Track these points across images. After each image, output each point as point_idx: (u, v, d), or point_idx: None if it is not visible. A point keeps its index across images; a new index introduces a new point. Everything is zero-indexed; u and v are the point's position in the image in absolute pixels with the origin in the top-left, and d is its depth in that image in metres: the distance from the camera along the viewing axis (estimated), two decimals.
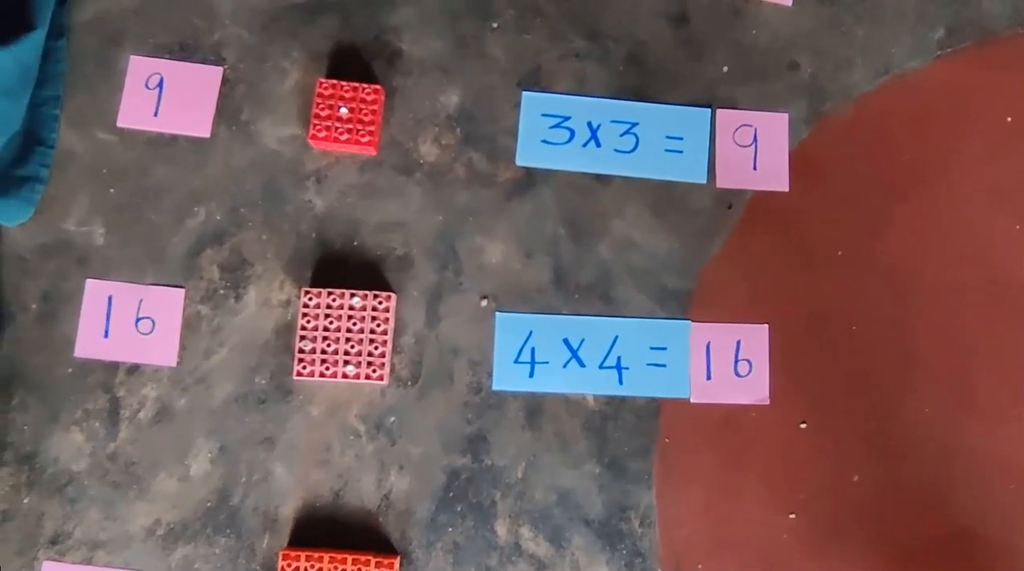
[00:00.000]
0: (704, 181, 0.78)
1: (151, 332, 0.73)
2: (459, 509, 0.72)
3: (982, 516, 0.73)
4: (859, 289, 0.77)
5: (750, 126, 0.78)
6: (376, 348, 0.72)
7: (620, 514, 0.73)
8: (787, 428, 0.74)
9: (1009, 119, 0.80)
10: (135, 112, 0.77)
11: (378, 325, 0.72)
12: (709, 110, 0.79)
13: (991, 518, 0.73)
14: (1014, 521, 0.73)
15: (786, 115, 0.79)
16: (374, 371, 0.71)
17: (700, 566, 0.72)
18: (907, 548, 0.73)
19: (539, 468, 0.73)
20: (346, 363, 0.71)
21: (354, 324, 0.72)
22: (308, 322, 0.72)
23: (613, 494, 0.73)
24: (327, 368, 0.71)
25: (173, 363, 0.73)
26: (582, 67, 0.80)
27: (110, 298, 0.74)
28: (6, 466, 0.72)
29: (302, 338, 0.72)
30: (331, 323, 0.72)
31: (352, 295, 0.72)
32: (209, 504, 0.71)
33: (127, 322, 0.73)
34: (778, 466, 0.74)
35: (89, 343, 0.73)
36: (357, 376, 0.71)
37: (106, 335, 0.73)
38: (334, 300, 0.72)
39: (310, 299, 0.72)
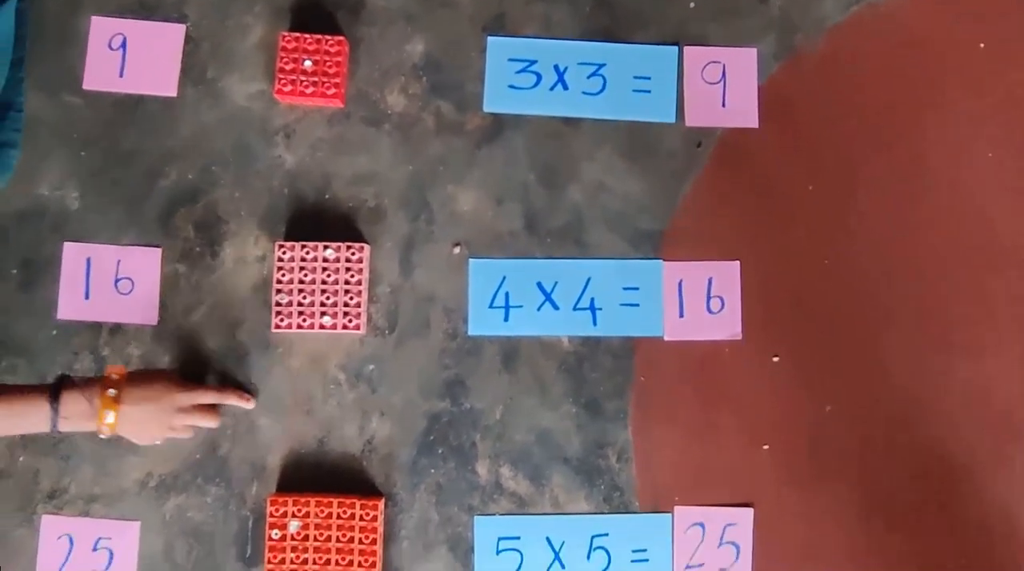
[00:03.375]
0: (673, 120, 0.77)
1: (131, 292, 0.75)
2: (440, 452, 0.74)
3: (951, 445, 0.75)
4: (830, 223, 0.77)
5: (718, 63, 0.78)
6: (352, 298, 0.73)
7: (597, 451, 0.74)
8: (760, 362, 0.75)
9: (982, 46, 0.79)
10: (100, 74, 0.76)
11: (352, 276, 0.73)
12: (676, 48, 0.78)
13: (959, 448, 0.75)
14: (980, 451, 0.74)
15: (754, 50, 0.78)
16: (350, 321, 0.73)
17: (677, 498, 0.74)
18: (879, 476, 0.74)
19: (517, 410, 0.75)
20: (323, 314, 0.72)
21: (328, 276, 0.73)
22: (283, 276, 0.73)
23: (590, 433, 0.74)
24: (304, 320, 0.72)
25: (154, 321, 0.75)
26: (548, 10, 0.79)
27: (88, 260, 0.75)
28: None
29: (278, 291, 0.73)
30: (306, 276, 0.73)
31: (325, 247, 0.73)
32: (198, 456, 0.73)
33: (107, 283, 0.75)
34: (752, 400, 0.75)
35: (71, 305, 0.74)
36: (334, 327, 0.72)
37: (87, 297, 0.74)
38: (308, 253, 0.73)
39: (284, 253, 0.73)
